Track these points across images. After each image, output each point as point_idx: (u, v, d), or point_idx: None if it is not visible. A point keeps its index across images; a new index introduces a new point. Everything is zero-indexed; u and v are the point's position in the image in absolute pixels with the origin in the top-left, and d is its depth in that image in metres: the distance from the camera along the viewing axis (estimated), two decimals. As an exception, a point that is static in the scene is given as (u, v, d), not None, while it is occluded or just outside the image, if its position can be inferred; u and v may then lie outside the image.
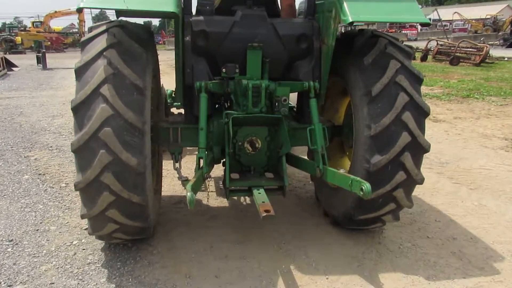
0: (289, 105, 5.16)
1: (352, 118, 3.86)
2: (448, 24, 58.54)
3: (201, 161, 3.57)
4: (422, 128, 3.51)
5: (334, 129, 4.43)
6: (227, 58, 3.82)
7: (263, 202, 3.36)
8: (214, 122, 3.98)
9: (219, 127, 3.93)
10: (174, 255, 3.83)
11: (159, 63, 4.36)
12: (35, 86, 15.75)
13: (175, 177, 5.66)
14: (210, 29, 3.77)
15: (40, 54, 24.23)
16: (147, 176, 3.31)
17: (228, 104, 4.14)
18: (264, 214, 3.15)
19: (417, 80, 3.58)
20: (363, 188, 3.01)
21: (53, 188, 5.45)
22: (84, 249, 3.92)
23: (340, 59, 3.91)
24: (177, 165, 4.06)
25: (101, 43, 3.27)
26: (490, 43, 28.56)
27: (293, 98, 4.99)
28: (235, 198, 5.05)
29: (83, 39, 3.42)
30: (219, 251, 3.91)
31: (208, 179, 3.65)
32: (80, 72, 3.20)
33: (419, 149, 3.51)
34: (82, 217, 3.31)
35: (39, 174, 5.98)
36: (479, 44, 23.97)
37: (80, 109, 3.11)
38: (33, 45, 40.82)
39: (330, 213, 4.38)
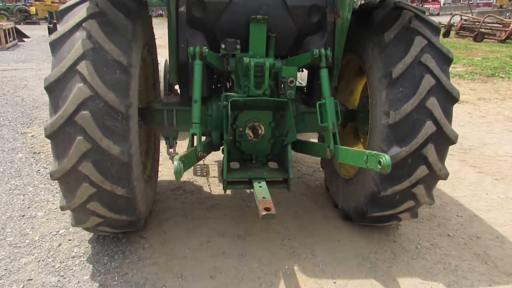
0: (300, 84, 4.72)
1: (369, 102, 3.40)
2: (473, -2, 56.13)
3: (195, 138, 3.12)
4: (449, 117, 3.05)
5: (348, 113, 3.97)
6: (227, 32, 3.37)
7: (263, 198, 2.96)
8: (213, 105, 3.56)
9: (218, 110, 3.52)
10: (167, 250, 3.49)
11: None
12: (44, 58, 15.42)
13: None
14: (208, -2, 3.30)
15: (52, 25, 23.79)
16: (133, 165, 2.94)
17: (229, 84, 3.70)
18: (264, 213, 2.75)
19: (445, 60, 3.09)
20: (381, 161, 2.54)
21: (46, 169, 5.14)
22: (70, 240, 3.61)
23: (357, 35, 3.44)
24: (171, 150, 3.68)
25: (80, 12, 2.86)
26: (516, 18, 27.14)
27: (303, 76, 4.55)
28: None
29: (61, 7, 3.00)
30: (216, 246, 3.55)
31: (204, 158, 3.19)
32: (55, 46, 2.80)
33: (444, 140, 3.05)
34: (62, 209, 2.98)
35: (34, 153, 5.67)
36: (505, 20, 22.73)
37: (55, 89, 2.72)
38: (47, 16, 40.41)
39: (340, 206, 3.98)
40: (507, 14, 30.89)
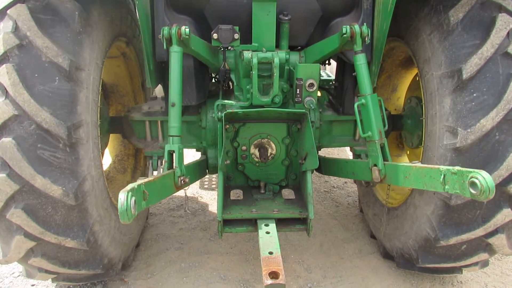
0: (328, 77, 3.76)
1: (420, 106, 2.46)
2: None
3: (174, 156, 2.18)
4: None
5: (390, 119, 2.99)
6: (221, 15, 2.44)
7: (269, 253, 2.07)
8: (208, 114, 2.68)
9: (215, 121, 2.64)
10: (151, 303, 2.70)
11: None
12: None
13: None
14: (193, -31, 2.38)
15: None
16: (89, 207, 2.13)
17: (228, 87, 2.80)
18: (269, 282, 1.87)
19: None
20: (477, 182, 1.58)
21: None
22: (33, 286, 2.86)
23: (405, 14, 2.46)
24: (155, 173, 2.82)
25: None
26: None
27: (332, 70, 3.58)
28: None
29: (-13, -13, 2.17)
30: (215, 298, 2.72)
31: (186, 185, 2.18)
32: (-31, 43, 1.98)
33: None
34: None
35: None
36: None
37: (-34, 106, 1.91)
38: None
39: (379, 241, 3.06)
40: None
